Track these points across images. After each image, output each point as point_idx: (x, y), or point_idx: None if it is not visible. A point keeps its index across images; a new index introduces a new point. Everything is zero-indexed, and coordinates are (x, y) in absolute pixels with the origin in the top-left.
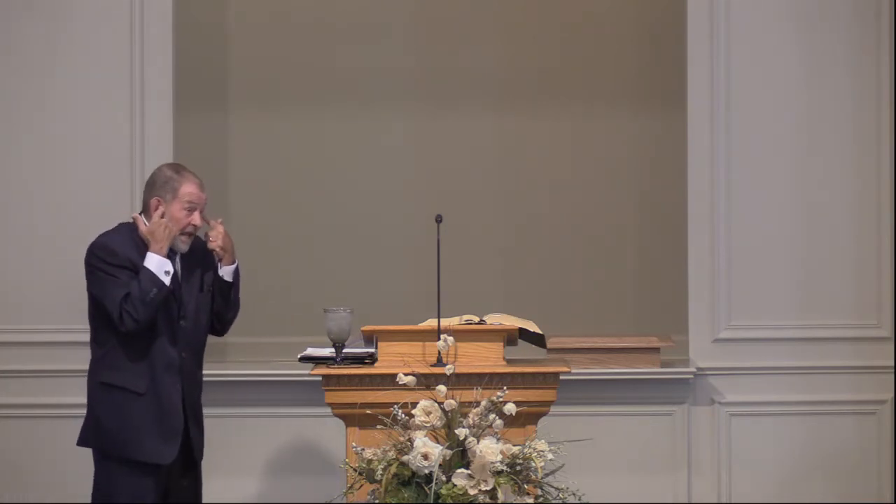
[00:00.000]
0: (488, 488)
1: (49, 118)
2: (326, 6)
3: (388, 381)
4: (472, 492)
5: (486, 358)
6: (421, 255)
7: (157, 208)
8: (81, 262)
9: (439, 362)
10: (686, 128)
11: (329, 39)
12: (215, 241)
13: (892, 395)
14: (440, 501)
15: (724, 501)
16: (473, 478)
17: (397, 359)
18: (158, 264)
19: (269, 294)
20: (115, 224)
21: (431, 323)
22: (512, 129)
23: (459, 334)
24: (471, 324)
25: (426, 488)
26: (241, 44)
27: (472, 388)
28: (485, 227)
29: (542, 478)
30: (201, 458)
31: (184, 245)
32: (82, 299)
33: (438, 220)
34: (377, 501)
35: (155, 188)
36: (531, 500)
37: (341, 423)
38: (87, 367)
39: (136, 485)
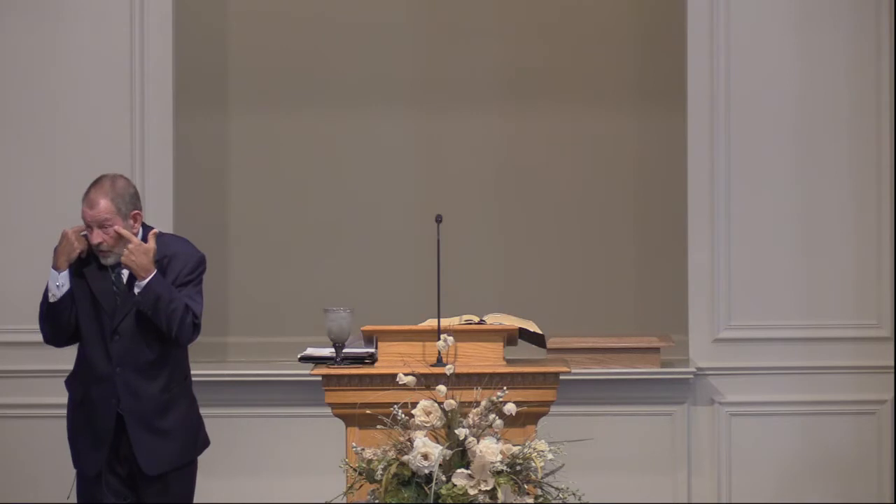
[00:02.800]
0: (488, 488)
1: (49, 118)
2: (326, 6)
3: (388, 381)
4: (472, 492)
5: (486, 358)
6: (421, 255)
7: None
8: None
9: (439, 362)
10: (686, 128)
11: (329, 39)
12: (126, 256)
13: (892, 395)
14: (440, 501)
15: (724, 501)
16: (473, 478)
17: (397, 359)
18: (52, 278)
19: (270, 294)
20: None
21: (431, 323)
22: (512, 129)
23: (459, 334)
24: (471, 324)
25: (426, 488)
26: (241, 44)
27: (472, 388)
28: (485, 227)
29: (542, 478)
30: (157, 471)
31: (106, 259)
32: None
33: (438, 220)
34: (377, 501)
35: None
36: (531, 500)
37: (341, 423)
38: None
39: (82, 491)
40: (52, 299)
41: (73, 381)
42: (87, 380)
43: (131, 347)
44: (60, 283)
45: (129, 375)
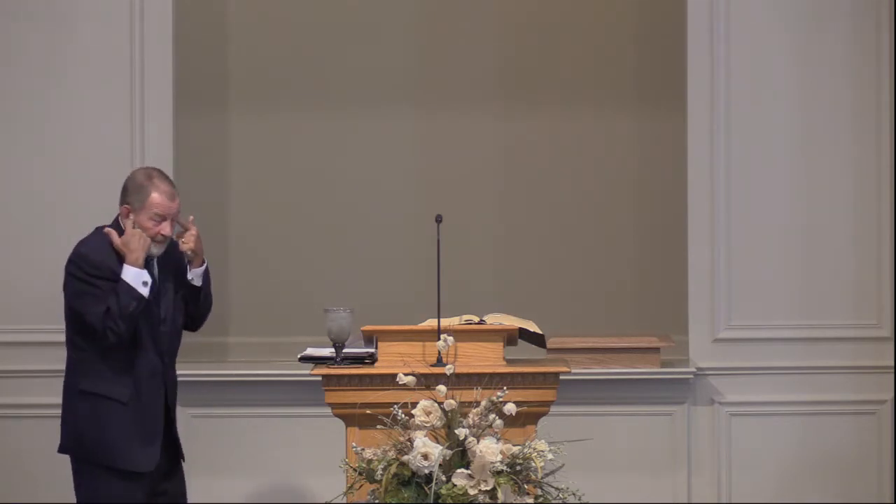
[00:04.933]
0: (488, 488)
1: (49, 119)
2: (326, 6)
3: (388, 381)
4: (472, 492)
5: (486, 358)
6: (421, 255)
7: (127, 216)
8: None
9: (439, 362)
10: (686, 128)
11: (329, 39)
12: (187, 243)
13: (892, 395)
14: (440, 501)
15: (724, 501)
16: (473, 478)
17: (397, 359)
18: (135, 276)
19: (270, 294)
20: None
21: (431, 323)
22: (512, 129)
23: (459, 334)
24: (471, 324)
25: (426, 488)
26: (241, 44)
27: (472, 388)
28: (485, 228)
29: (542, 478)
30: (183, 458)
31: (157, 249)
32: None
33: (438, 220)
34: (377, 501)
35: (126, 194)
36: (531, 500)
37: (341, 423)
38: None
39: (119, 491)
40: (146, 296)
41: (107, 383)
42: (139, 377)
43: (172, 337)
44: (147, 279)
45: (170, 365)
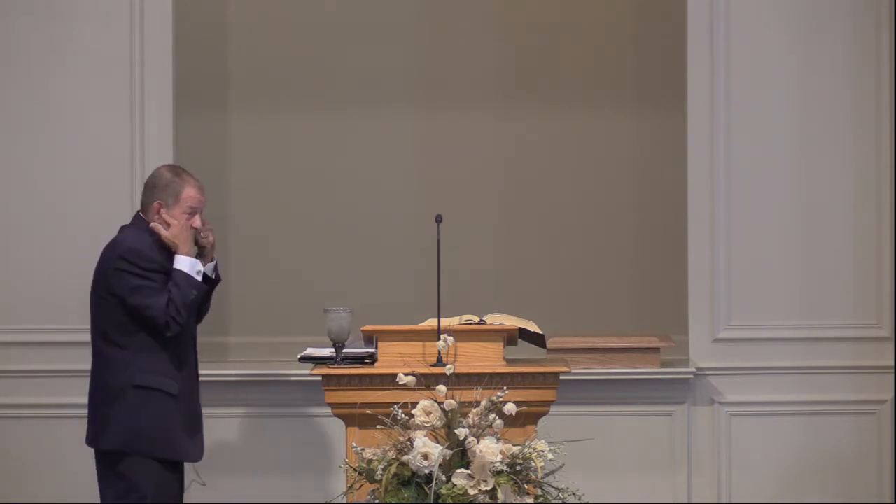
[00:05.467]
0: (488, 488)
1: (49, 119)
2: (326, 6)
3: (388, 381)
4: (472, 492)
5: (486, 358)
6: (421, 255)
7: (158, 211)
8: (82, 262)
9: (439, 362)
10: (686, 128)
11: (329, 39)
12: (207, 237)
13: (892, 395)
14: (440, 501)
15: (724, 501)
16: (473, 478)
17: (397, 359)
18: (191, 266)
19: (270, 294)
20: (118, 225)
21: (431, 323)
22: (512, 129)
23: (459, 334)
24: (471, 324)
25: (426, 488)
26: (241, 44)
27: (472, 388)
28: (485, 228)
29: (542, 478)
30: None
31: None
32: (84, 299)
33: (438, 220)
34: (377, 501)
35: (156, 191)
36: (531, 500)
37: (341, 423)
38: (85, 366)
39: (172, 482)
40: (201, 283)
41: (158, 376)
42: (182, 368)
43: (195, 329)
44: (200, 268)
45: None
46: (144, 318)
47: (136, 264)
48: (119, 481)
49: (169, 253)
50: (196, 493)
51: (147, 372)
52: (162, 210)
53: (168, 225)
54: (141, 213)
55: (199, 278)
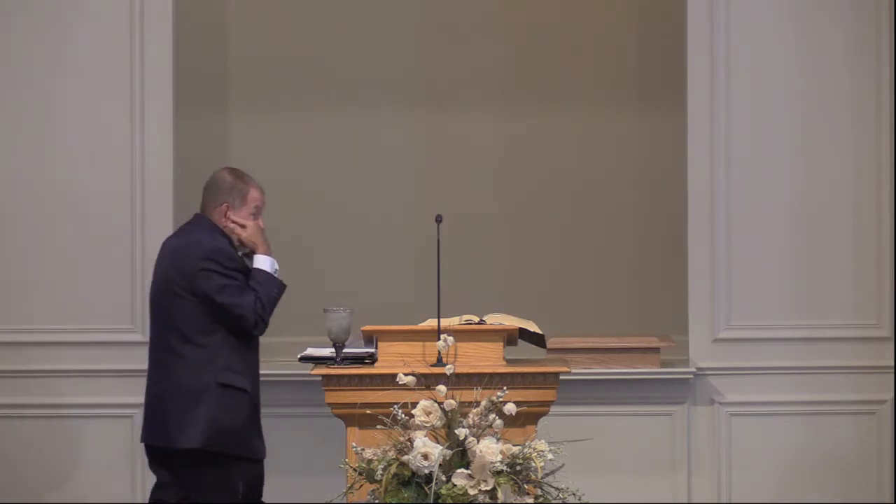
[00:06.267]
0: (488, 488)
1: (49, 119)
2: (327, 6)
3: (388, 381)
4: (472, 492)
5: (486, 358)
6: (421, 255)
7: (225, 213)
8: (82, 262)
9: (439, 362)
10: (686, 128)
11: (329, 39)
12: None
13: (892, 395)
14: (440, 501)
15: (724, 501)
16: (473, 478)
17: (397, 359)
18: (271, 264)
19: None
20: (118, 225)
21: (431, 323)
22: (512, 129)
23: (459, 334)
24: (471, 324)
25: (426, 488)
26: (241, 44)
27: (472, 388)
28: (485, 227)
29: (542, 478)
30: None
31: (245, 247)
32: (83, 299)
33: (438, 220)
34: (377, 501)
35: (221, 194)
36: (531, 500)
37: (341, 423)
38: (84, 366)
39: (248, 478)
40: (281, 282)
41: (236, 374)
42: (251, 366)
43: None
44: (277, 266)
45: None
46: (233, 316)
47: (222, 264)
48: (203, 480)
49: (235, 251)
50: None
51: (228, 370)
52: (229, 212)
53: (243, 227)
54: (202, 215)
55: (278, 276)
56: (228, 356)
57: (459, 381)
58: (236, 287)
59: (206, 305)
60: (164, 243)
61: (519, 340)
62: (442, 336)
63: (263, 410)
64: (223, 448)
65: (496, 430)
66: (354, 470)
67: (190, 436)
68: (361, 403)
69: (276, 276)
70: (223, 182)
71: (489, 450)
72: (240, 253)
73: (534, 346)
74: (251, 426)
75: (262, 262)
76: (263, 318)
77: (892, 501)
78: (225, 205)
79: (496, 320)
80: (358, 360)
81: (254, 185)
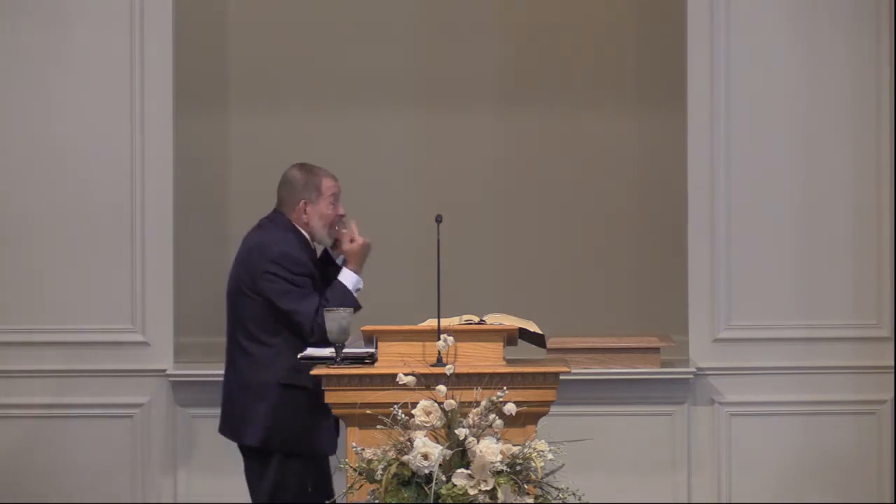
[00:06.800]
0: (488, 488)
1: (49, 118)
2: (327, 6)
3: (388, 381)
4: (472, 492)
5: (486, 358)
6: (421, 255)
7: (304, 210)
8: (82, 261)
9: (439, 362)
10: (686, 128)
11: (329, 39)
12: (342, 228)
13: (892, 395)
14: (440, 501)
15: (724, 501)
16: (473, 478)
17: (397, 359)
18: (355, 283)
19: None
20: (119, 225)
21: (431, 323)
22: (512, 129)
23: (459, 334)
24: (471, 324)
25: (426, 488)
26: (241, 44)
27: (472, 388)
28: (485, 228)
29: (542, 478)
30: None
31: (329, 238)
32: (83, 299)
33: (438, 220)
34: (377, 501)
35: (296, 190)
36: (531, 500)
37: (341, 423)
38: (84, 366)
39: (314, 474)
40: (356, 302)
41: (300, 373)
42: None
43: None
44: (361, 286)
45: None
46: (292, 322)
47: (288, 269)
48: (263, 477)
49: (311, 252)
50: (197, 493)
51: (291, 370)
52: (308, 207)
53: (352, 239)
54: (280, 211)
55: (357, 296)
56: (292, 356)
57: (459, 381)
58: (298, 293)
59: (270, 307)
60: (244, 239)
61: (519, 340)
62: (442, 336)
63: None
64: (284, 446)
65: (496, 430)
66: (354, 470)
67: (252, 433)
68: (361, 403)
69: (354, 295)
70: (295, 180)
71: (489, 450)
72: (325, 246)
73: (534, 346)
74: (314, 424)
75: (347, 277)
76: (323, 326)
77: (893, 501)
78: (302, 201)
79: (496, 320)
80: (358, 360)
81: (325, 175)
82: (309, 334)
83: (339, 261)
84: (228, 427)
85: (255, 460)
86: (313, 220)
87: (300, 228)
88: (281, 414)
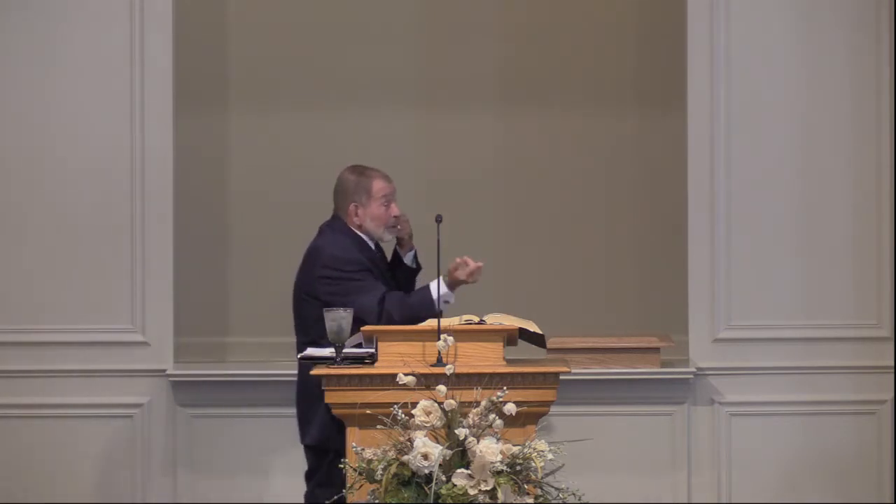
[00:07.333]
0: (488, 488)
1: (49, 118)
2: (326, 6)
3: (388, 381)
4: (472, 492)
5: (486, 358)
6: (421, 255)
7: (356, 213)
8: (82, 261)
9: (439, 362)
10: (686, 128)
11: (329, 39)
12: (404, 228)
13: (892, 395)
14: (440, 501)
15: (724, 501)
16: (473, 478)
17: (397, 359)
18: (446, 295)
19: (270, 294)
20: (119, 225)
21: (431, 323)
22: (512, 129)
23: (459, 334)
24: (471, 324)
25: (426, 488)
26: (241, 44)
27: (472, 388)
28: (484, 227)
29: (542, 478)
30: None
31: (388, 235)
32: (83, 299)
33: (438, 220)
34: (377, 501)
35: (348, 195)
36: (531, 500)
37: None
38: (84, 366)
39: None
40: (437, 312)
41: None
42: None
43: None
44: (451, 300)
45: None
46: (359, 318)
47: (340, 269)
48: (322, 476)
49: (369, 252)
50: (197, 492)
51: None
52: (359, 210)
53: (472, 274)
54: (336, 215)
55: (441, 307)
56: None
57: (459, 381)
58: (357, 287)
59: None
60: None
61: (519, 340)
62: (442, 336)
63: (263, 410)
64: (339, 447)
65: (496, 430)
66: (354, 470)
67: (310, 433)
68: (361, 403)
69: (437, 304)
70: (347, 182)
71: (489, 450)
72: (394, 246)
73: (534, 346)
74: None
75: (441, 285)
76: (393, 315)
77: (893, 501)
78: (353, 204)
79: (496, 320)
80: (358, 360)
81: (377, 177)
82: (375, 324)
83: (406, 259)
84: (299, 428)
85: (314, 460)
86: (366, 222)
87: (356, 231)
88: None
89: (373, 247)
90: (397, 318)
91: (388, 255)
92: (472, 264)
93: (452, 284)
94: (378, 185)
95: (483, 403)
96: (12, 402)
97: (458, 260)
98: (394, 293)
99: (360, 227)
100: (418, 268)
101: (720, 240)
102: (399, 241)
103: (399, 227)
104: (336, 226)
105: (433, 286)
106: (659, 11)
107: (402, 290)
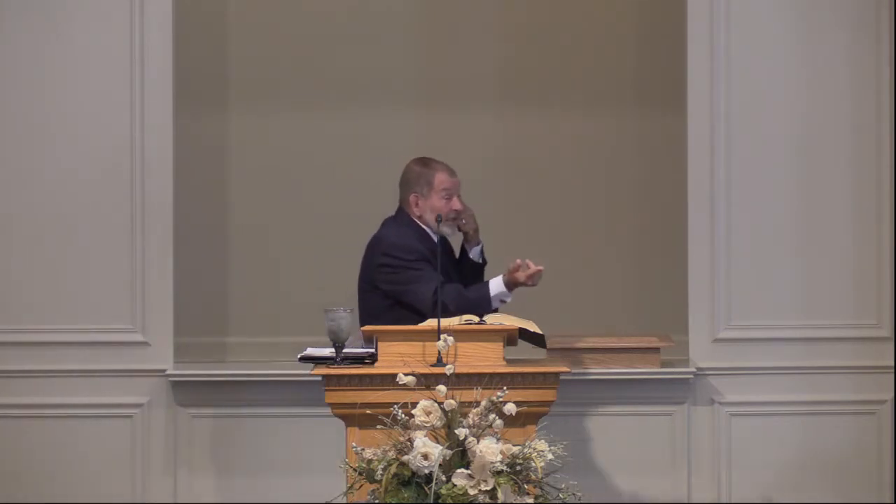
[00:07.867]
0: (488, 488)
1: (49, 118)
2: (326, 7)
3: (388, 381)
4: (472, 492)
5: (486, 358)
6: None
7: (416, 203)
8: (82, 261)
9: (439, 362)
10: (686, 128)
11: (329, 39)
12: (469, 223)
13: (892, 395)
14: (440, 501)
15: (724, 501)
16: (473, 478)
17: (397, 359)
18: (503, 295)
19: (270, 294)
20: (119, 224)
21: (431, 323)
22: (512, 129)
23: (459, 334)
24: (471, 324)
25: (426, 488)
26: (241, 44)
27: (472, 388)
28: (484, 227)
29: (542, 478)
30: None
31: (449, 229)
32: (83, 299)
33: (438, 220)
34: (377, 501)
35: (410, 185)
36: (531, 500)
37: (341, 423)
38: (84, 366)
39: None
40: (491, 310)
41: None
42: None
43: None
44: (508, 300)
45: None
46: (412, 305)
47: (399, 257)
48: None
49: (430, 244)
50: (196, 493)
51: None
52: (420, 201)
53: (532, 277)
54: (401, 207)
55: (497, 305)
56: None
57: (459, 381)
58: (415, 275)
59: (390, 299)
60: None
61: (519, 340)
62: (442, 336)
63: (263, 410)
64: None
65: (496, 430)
66: (354, 470)
67: None
68: (361, 403)
69: (494, 302)
70: (411, 173)
71: (489, 450)
72: (461, 242)
73: (534, 346)
74: None
75: (497, 286)
76: (448, 306)
77: (893, 501)
78: (413, 195)
79: (496, 320)
80: (358, 360)
81: (440, 170)
82: (429, 311)
83: (472, 254)
84: None
85: None
86: (426, 213)
87: (418, 222)
88: None
89: (435, 239)
90: (453, 310)
91: (457, 251)
92: (533, 267)
93: (511, 285)
94: (440, 178)
95: (483, 403)
96: (12, 402)
97: (518, 262)
98: (451, 285)
99: (420, 217)
100: (484, 262)
101: (720, 240)
102: (465, 236)
103: (464, 220)
104: (399, 217)
105: (493, 284)
106: (659, 11)
107: (469, 284)
